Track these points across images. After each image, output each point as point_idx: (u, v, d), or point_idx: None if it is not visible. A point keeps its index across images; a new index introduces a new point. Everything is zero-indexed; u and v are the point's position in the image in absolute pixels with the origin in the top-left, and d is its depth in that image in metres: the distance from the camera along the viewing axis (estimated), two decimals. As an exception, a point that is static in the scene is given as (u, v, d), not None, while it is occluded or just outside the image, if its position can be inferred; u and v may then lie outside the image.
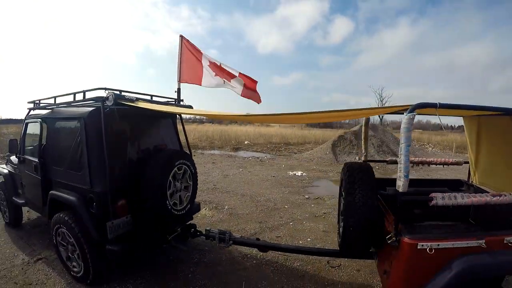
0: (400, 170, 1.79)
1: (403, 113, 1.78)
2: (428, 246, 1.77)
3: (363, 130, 3.05)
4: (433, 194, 1.85)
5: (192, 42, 4.02)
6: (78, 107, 2.89)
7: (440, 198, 1.84)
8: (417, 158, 3.03)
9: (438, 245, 1.78)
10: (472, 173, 2.87)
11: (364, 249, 2.31)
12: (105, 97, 2.56)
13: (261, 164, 11.15)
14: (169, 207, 2.84)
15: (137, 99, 2.76)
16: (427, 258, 1.79)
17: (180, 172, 3.03)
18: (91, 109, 2.69)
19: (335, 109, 2.02)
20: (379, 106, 32.88)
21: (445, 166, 3.09)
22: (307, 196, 6.49)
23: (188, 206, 3.25)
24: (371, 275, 3.17)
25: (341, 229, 2.62)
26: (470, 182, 2.89)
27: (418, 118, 1.94)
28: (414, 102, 1.78)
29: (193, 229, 3.33)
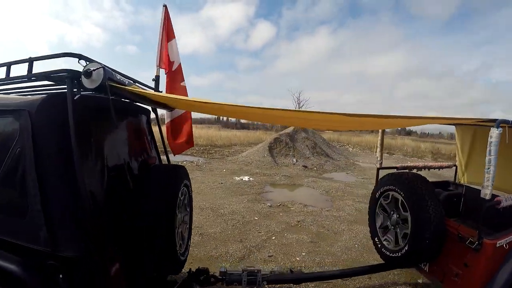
0: (488, 180, 1.83)
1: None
2: (503, 243, 1.96)
3: (379, 138, 3.04)
4: (498, 198, 1.99)
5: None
6: (10, 92, 1.65)
7: (504, 201, 1.99)
8: (421, 164, 3.25)
9: (506, 240, 1.98)
10: (460, 174, 3.29)
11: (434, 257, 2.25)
12: (84, 70, 1.40)
13: (199, 169, 10.23)
14: (178, 252, 2.00)
15: (130, 83, 1.79)
16: (501, 253, 1.97)
17: (181, 197, 2.17)
18: (43, 96, 1.50)
19: (420, 116, 1.86)
20: (296, 107, 36.68)
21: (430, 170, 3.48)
22: (269, 204, 6.26)
23: (189, 243, 2.45)
24: (383, 280, 3.20)
25: (385, 243, 2.48)
26: (458, 182, 3.30)
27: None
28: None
29: (204, 276, 2.42)
